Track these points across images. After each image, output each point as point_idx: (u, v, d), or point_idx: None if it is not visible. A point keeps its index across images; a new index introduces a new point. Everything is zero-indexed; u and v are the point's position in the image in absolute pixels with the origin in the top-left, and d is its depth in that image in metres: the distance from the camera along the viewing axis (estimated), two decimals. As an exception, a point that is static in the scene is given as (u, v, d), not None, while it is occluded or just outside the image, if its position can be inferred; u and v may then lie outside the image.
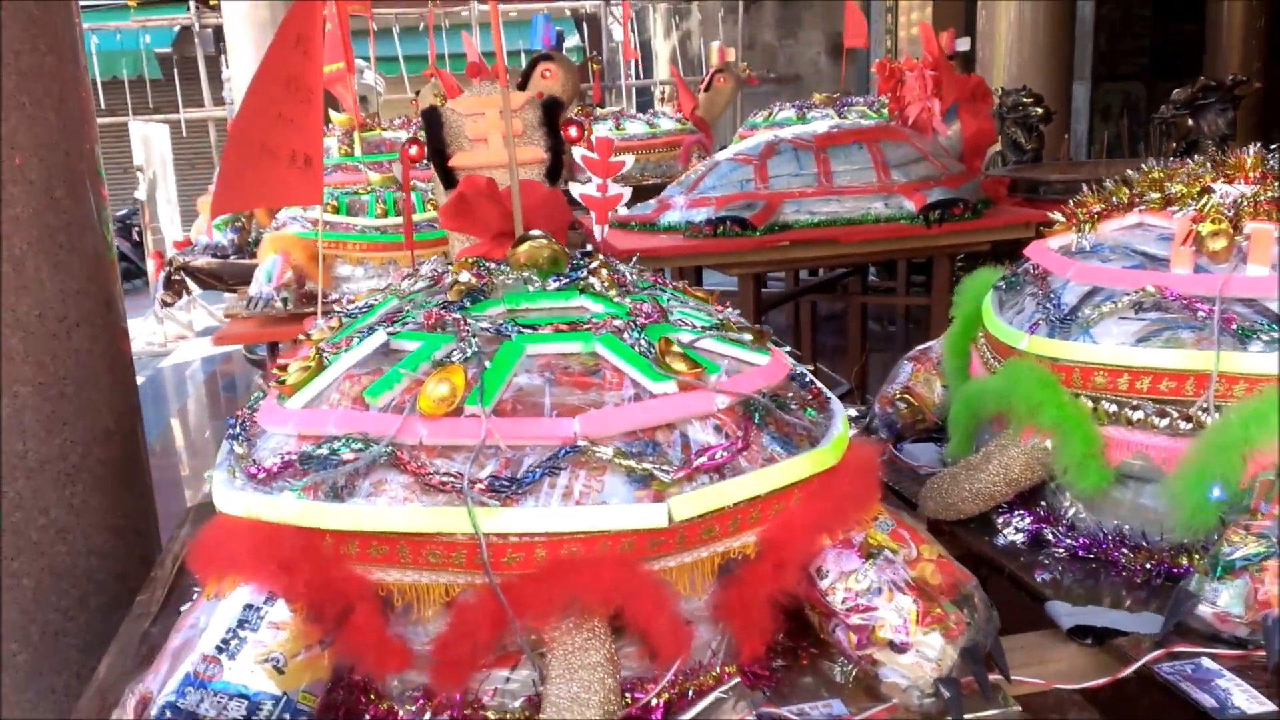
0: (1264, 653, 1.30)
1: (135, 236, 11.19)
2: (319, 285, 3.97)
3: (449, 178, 2.17)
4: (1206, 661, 1.31)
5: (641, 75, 12.52)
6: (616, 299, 1.54)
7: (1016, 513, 1.74)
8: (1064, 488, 1.67)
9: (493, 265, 1.76)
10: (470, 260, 1.77)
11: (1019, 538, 1.71)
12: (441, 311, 1.48)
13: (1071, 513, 1.69)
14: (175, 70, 12.33)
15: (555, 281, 1.60)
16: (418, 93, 7.16)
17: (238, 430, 1.49)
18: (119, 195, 11.48)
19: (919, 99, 4.61)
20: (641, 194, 6.79)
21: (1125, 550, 1.60)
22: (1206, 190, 1.71)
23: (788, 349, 1.65)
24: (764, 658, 1.35)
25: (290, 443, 1.36)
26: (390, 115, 7.01)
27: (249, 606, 1.25)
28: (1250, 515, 1.38)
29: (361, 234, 4.06)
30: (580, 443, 1.28)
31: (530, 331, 1.43)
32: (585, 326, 1.44)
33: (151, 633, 1.70)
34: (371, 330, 1.49)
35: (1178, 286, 1.58)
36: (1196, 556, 1.52)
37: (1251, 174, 1.79)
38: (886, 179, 4.26)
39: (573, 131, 2.30)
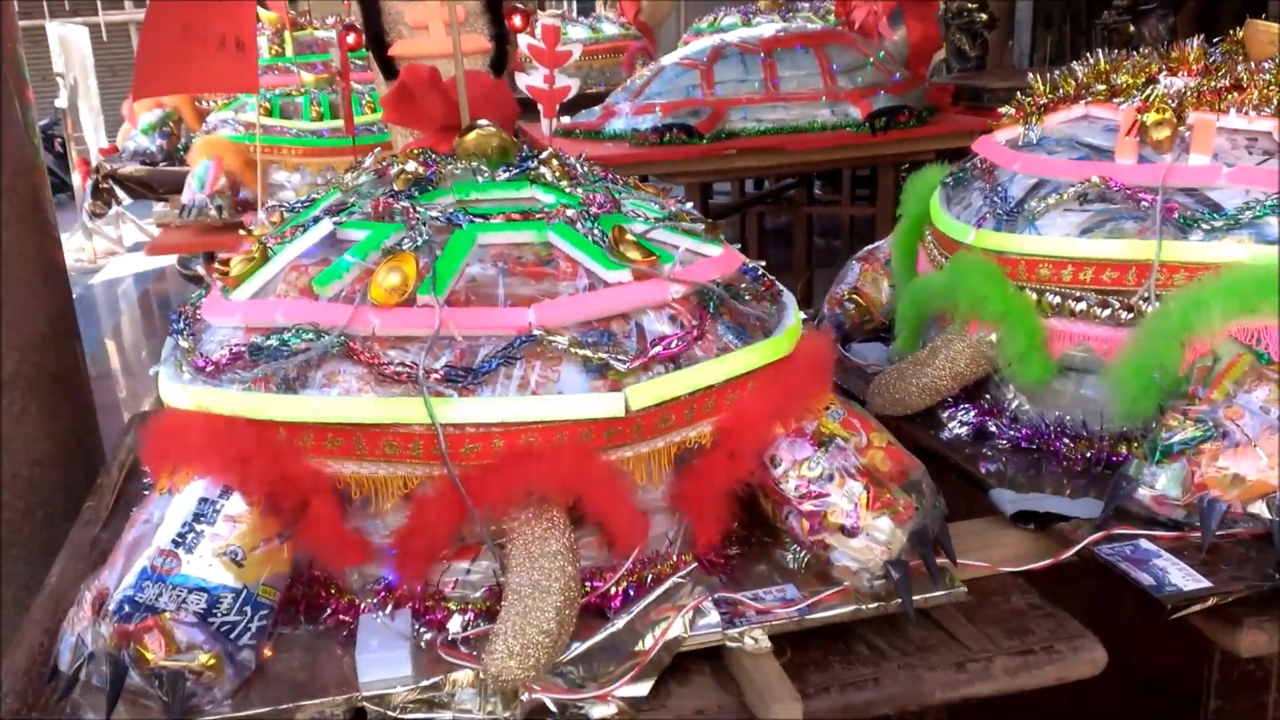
0: (1199, 534, 1.35)
1: (58, 148, 10.74)
2: (257, 192, 3.87)
3: (389, 68, 2.11)
4: (1144, 543, 1.37)
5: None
6: (568, 189, 1.52)
7: (961, 406, 1.77)
8: (1008, 380, 1.71)
9: (440, 156, 1.72)
10: (416, 151, 1.73)
11: (964, 431, 1.75)
12: (389, 200, 1.44)
13: (1015, 405, 1.73)
14: (93, -29, 11.76)
15: (505, 172, 1.57)
16: (351, -6, 6.92)
17: (181, 325, 1.46)
18: (39, 104, 11.01)
19: (865, 2, 4.57)
20: (585, 102, 6.69)
21: (1067, 440, 1.65)
22: (1151, 81, 1.72)
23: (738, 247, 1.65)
24: (720, 546, 1.38)
25: (237, 335, 1.34)
26: (322, 14, 6.76)
27: (204, 500, 1.23)
28: (1188, 401, 1.42)
29: (297, 138, 3.93)
30: (536, 332, 1.28)
31: (482, 221, 1.41)
32: (538, 216, 1.42)
33: (102, 538, 1.68)
34: (316, 220, 1.45)
35: (1122, 177, 1.61)
36: (1136, 445, 1.56)
37: (1194, 66, 1.81)
38: (833, 85, 4.25)
39: (517, 20, 2.24)
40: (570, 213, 1.43)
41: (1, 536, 2.19)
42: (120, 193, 4.75)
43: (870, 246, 2.28)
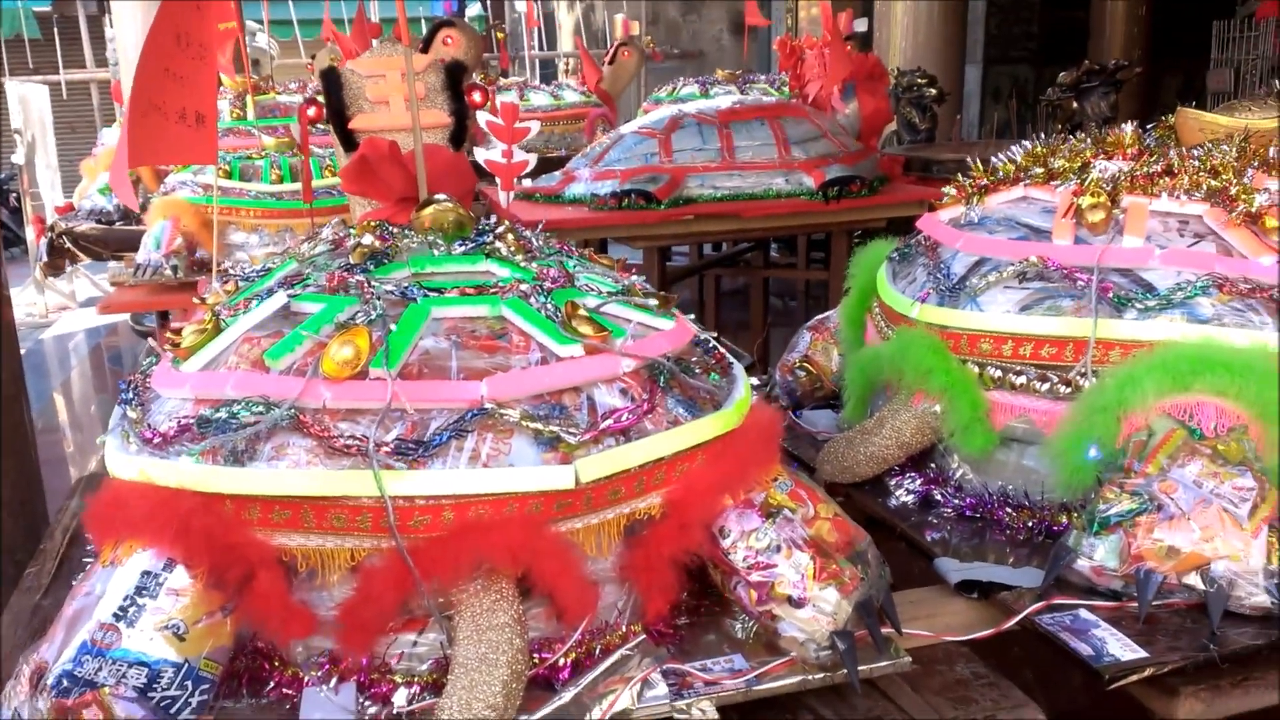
0: (1136, 604, 1.38)
1: (13, 203, 10.67)
2: (213, 253, 3.86)
3: (349, 140, 2.14)
4: (1084, 613, 1.39)
5: (545, 47, 12.41)
6: (523, 264, 1.55)
7: (908, 475, 1.81)
8: (952, 450, 1.75)
9: (396, 229, 1.74)
10: (373, 223, 1.75)
11: (910, 499, 1.78)
12: (344, 274, 1.46)
13: (959, 474, 1.76)
14: (55, 29, 11.72)
15: (461, 246, 1.59)
16: (313, 57, 6.98)
17: (130, 395, 1.46)
18: (3, 154, 10.92)
19: (819, 77, 4.70)
20: (546, 166, 6.75)
21: (1009, 509, 1.68)
22: (1087, 166, 1.79)
23: (692, 318, 1.68)
24: (668, 616, 1.39)
25: (186, 407, 1.34)
26: (284, 79, 6.81)
27: (147, 573, 1.22)
28: (1124, 474, 1.46)
29: (255, 200, 3.94)
30: (487, 405, 1.29)
31: (436, 294, 1.43)
32: (492, 290, 1.44)
33: (43, 605, 1.65)
34: (271, 292, 1.46)
35: (1059, 257, 1.66)
36: (1075, 515, 1.60)
37: (1129, 150, 1.89)
38: (787, 155, 4.34)
39: (476, 96, 2.28)
40: (524, 287, 1.45)
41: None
42: (76, 251, 4.72)
43: (820, 316, 2.33)
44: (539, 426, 1.29)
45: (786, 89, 5.59)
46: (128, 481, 1.30)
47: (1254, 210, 1.60)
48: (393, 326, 1.35)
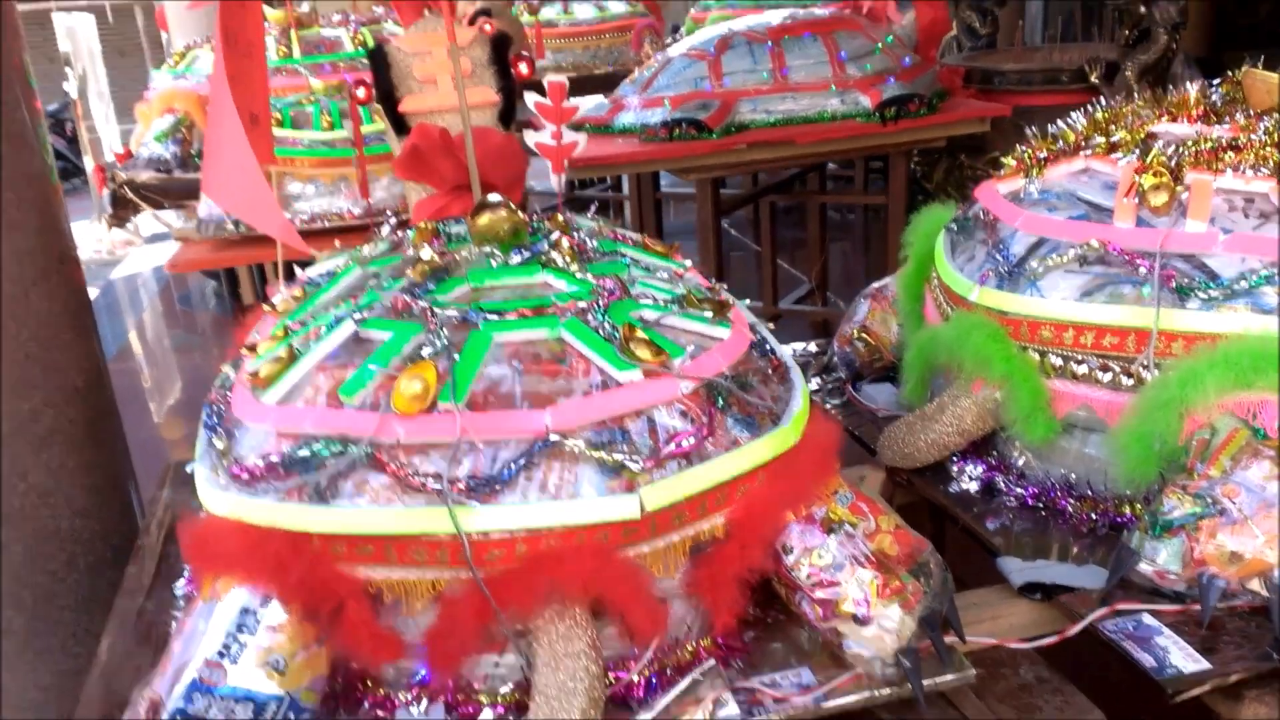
0: (1199, 607, 1.41)
1: (69, 132, 10.79)
2: (278, 264, 3.90)
3: (400, 123, 2.15)
4: (1147, 618, 1.42)
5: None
6: (579, 275, 1.57)
7: (970, 461, 1.82)
8: (1014, 437, 1.76)
9: (454, 231, 1.77)
10: (429, 228, 1.77)
11: (972, 486, 1.80)
12: (408, 299, 1.49)
13: (1021, 462, 1.77)
14: (97, -48, 11.68)
15: (518, 255, 1.62)
16: (356, -22, 6.88)
17: (215, 421, 1.52)
18: (47, 89, 11.02)
19: (873, -12, 4.54)
20: (593, 83, 6.67)
21: (1072, 499, 1.69)
22: (1150, 137, 1.74)
23: (746, 309, 1.68)
24: (736, 629, 1.44)
25: (270, 441, 1.40)
26: (328, 11, 6.73)
27: (245, 610, 1.30)
28: (1187, 475, 1.46)
29: (309, 149, 3.96)
30: (553, 437, 1.33)
31: (497, 318, 1.46)
32: (550, 310, 1.47)
33: (147, 608, 1.76)
34: (339, 320, 1.50)
35: (1120, 241, 1.63)
36: (1139, 507, 1.61)
37: (1194, 111, 1.83)
38: (841, 73, 4.23)
39: (523, 68, 2.26)
40: (582, 304, 1.48)
41: (46, 588, 2.28)
42: (139, 201, 4.80)
43: (878, 284, 2.31)
44: (603, 455, 1.33)
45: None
46: (220, 518, 1.38)
47: (1325, 190, 1.55)
48: (457, 356, 1.39)
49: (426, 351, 1.39)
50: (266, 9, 5.25)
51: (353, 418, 1.35)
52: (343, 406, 1.37)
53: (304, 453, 1.34)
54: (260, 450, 1.39)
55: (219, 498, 1.38)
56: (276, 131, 3.89)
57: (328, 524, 1.31)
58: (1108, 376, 1.62)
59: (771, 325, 1.88)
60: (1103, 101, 3.89)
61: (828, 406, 2.22)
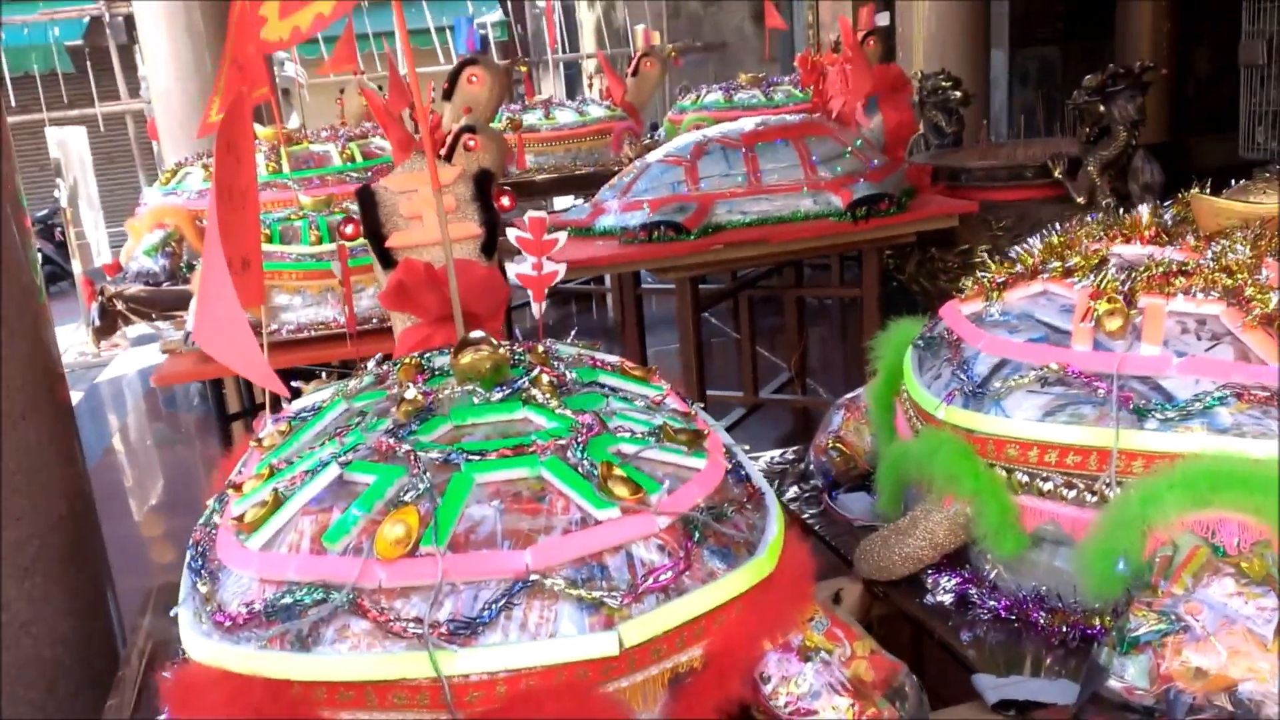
0: (1169, 721, 1.43)
1: (58, 237, 10.92)
2: (250, 317, 3.97)
3: (386, 258, 2.22)
4: (1116, 734, 1.45)
5: (567, 48, 12.43)
6: (558, 410, 1.62)
7: (944, 573, 1.85)
8: (986, 551, 1.79)
9: (437, 365, 1.82)
10: (414, 364, 1.83)
11: (947, 598, 1.83)
12: (391, 442, 1.54)
13: (994, 574, 1.81)
14: (88, 62, 11.95)
15: (499, 392, 1.67)
16: (342, 91, 7.08)
17: (199, 564, 1.55)
18: (37, 194, 11.19)
19: (841, 93, 4.70)
20: (576, 183, 6.83)
21: (1044, 612, 1.73)
22: (1103, 262, 1.82)
23: (723, 442, 1.73)
24: (715, 760, 1.46)
25: (253, 587, 1.42)
26: (314, 117, 6.92)
27: (227, 758, 1.32)
28: (1151, 592, 1.50)
29: (296, 262, 4.03)
30: (532, 576, 1.36)
31: (478, 458, 1.50)
32: (530, 450, 1.51)
33: (128, 741, 1.76)
34: (324, 464, 1.54)
35: (1078, 363, 1.70)
36: (1108, 619, 1.65)
37: (1146, 233, 1.91)
38: (813, 175, 4.36)
39: (505, 201, 2.35)
40: (561, 442, 1.52)
41: (26, 715, 2.27)
42: (127, 314, 4.86)
43: (851, 395, 2.37)
44: (582, 593, 1.36)
45: (811, 91, 5.58)
46: (203, 665, 1.40)
47: (1269, 311, 1.62)
48: (439, 500, 1.42)
49: (409, 495, 1.43)
50: (256, 126, 5.39)
51: (335, 564, 1.38)
52: (326, 553, 1.40)
53: (286, 600, 1.36)
54: (243, 597, 1.41)
55: (201, 644, 1.40)
56: (266, 246, 3.97)
57: (309, 672, 1.33)
58: (1072, 493, 1.67)
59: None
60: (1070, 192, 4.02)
61: (805, 516, 2.25)
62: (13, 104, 11.24)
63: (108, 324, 4.80)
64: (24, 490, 2.27)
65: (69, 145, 8.53)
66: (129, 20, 10.13)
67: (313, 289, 4.07)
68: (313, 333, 3.94)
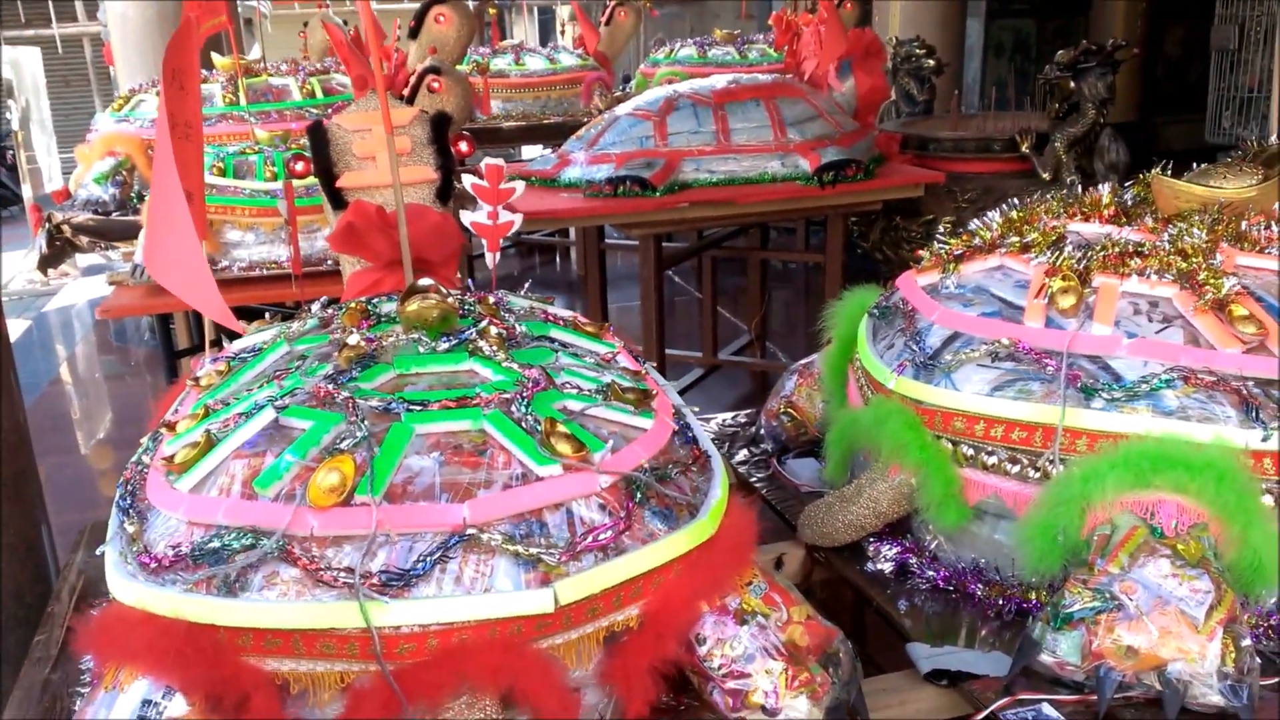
0: (1096, 698, 1.45)
1: (9, 160, 10.63)
2: (209, 251, 3.88)
3: (337, 198, 2.16)
4: (1047, 708, 1.46)
5: (542, -6, 12.22)
6: (505, 363, 1.59)
7: (886, 542, 1.86)
8: (928, 521, 1.80)
9: (384, 311, 1.78)
10: (359, 308, 1.79)
11: (887, 566, 1.84)
12: (330, 388, 1.50)
13: (934, 545, 1.82)
14: (45, -19, 11.58)
15: (445, 342, 1.63)
16: (306, 24, 6.90)
17: (127, 503, 1.51)
18: (-11, 115, 10.86)
19: (815, 54, 4.65)
20: (543, 132, 6.73)
21: (981, 584, 1.74)
22: (1061, 239, 1.81)
23: (672, 403, 1.71)
24: (648, 718, 1.45)
25: (180, 530, 1.39)
26: (278, 50, 6.72)
27: (147, 702, 1.29)
28: (1087, 569, 1.51)
29: (250, 198, 3.94)
30: (469, 530, 1.34)
31: (420, 409, 1.47)
32: (474, 402, 1.48)
33: (53, 680, 1.72)
34: (259, 407, 1.50)
35: (1029, 340, 1.69)
36: (1044, 594, 1.66)
37: (1105, 212, 1.91)
38: (783, 137, 4.32)
39: (463, 146, 2.29)
40: (506, 395, 1.49)
41: (-46, 650, 2.22)
42: (75, 243, 4.73)
43: (804, 360, 2.36)
44: (519, 549, 1.34)
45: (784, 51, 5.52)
46: (126, 606, 1.36)
47: (1221, 296, 1.62)
48: (377, 450, 1.39)
49: (346, 444, 1.40)
50: (215, 56, 5.25)
51: (266, 509, 1.35)
52: (257, 498, 1.37)
53: (214, 544, 1.33)
54: (170, 539, 1.38)
55: (126, 586, 1.37)
56: (217, 180, 3.88)
57: (235, 618, 1.30)
58: (1016, 468, 1.67)
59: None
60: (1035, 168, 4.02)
61: (753, 480, 2.25)
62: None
63: (55, 252, 4.67)
64: (-46, 419, 2.21)
65: (23, 66, 8.27)
66: (90, -61, 9.81)
67: (266, 226, 3.99)
68: (264, 271, 3.87)
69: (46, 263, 4.64)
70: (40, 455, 2.58)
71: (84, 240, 4.66)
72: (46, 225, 4.78)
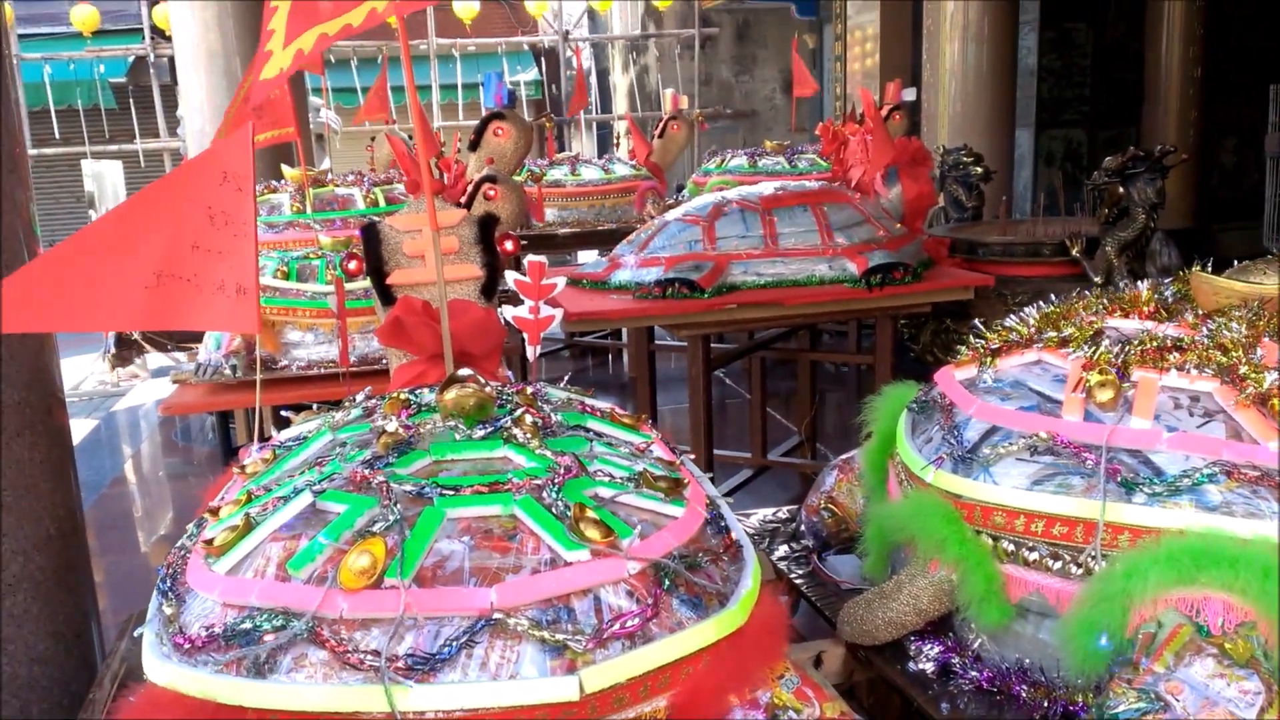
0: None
1: (89, 268, 11.04)
2: (271, 351, 4.01)
3: (386, 294, 2.24)
4: (1090, 814, 1.40)
5: (600, 110, 12.62)
6: (538, 450, 1.61)
7: (928, 641, 1.82)
8: (970, 620, 1.75)
9: (424, 401, 1.82)
10: (400, 398, 1.83)
11: (929, 666, 1.79)
12: (366, 473, 1.53)
13: (977, 644, 1.77)
14: (131, 100, 12.25)
15: (481, 430, 1.66)
16: (373, 139, 7.20)
17: (167, 585, 1.54)
18: (74, 224, 11.39)
19: (862, 162, 4.73)
20: (597, 239, 6.89)
21: (1026, 685, 1.68)
22: (1099, 334, 1.80)
23: (705, 493, 1.71)
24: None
25: (215, 611, 1.41)
26: (346, 163, 7.03)
27: (175, 783, 1.29)
28: (1132, 669, 1.46)
29: (311, 300, 4.08)
30: (496, 615, 1.34)
31: (452, 494, 1.49)
32: (505, 487, 1.50)
33: (91, 765, 1.74)
34: (298, 490, 1.53)
35: (1068, 433, 1.67)
36: (1090, 696, 1.60)
37: (1145, 308, 1.90)
38: (830, 241, 4.36)
39: (508, 245, 2.37)
40: (537, 481, 1.51)
41: (-1, 736, 2.25)
42: (143, 343, 4.91)
43: (845, 455, 2.35)
44: (546, 635, 1.34)
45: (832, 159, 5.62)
46: (160, 687, 1.38)
47: (1263, 391, 1.59)
48: (408, 533, 1.41)
49: (378, 526, 1.42)
50: (284, 168, 5.51)
51: (298, 591, 1.37)
52: (290, 579, 1.39)
53: (246, 625, 1.35)
54: (205, 620, 1.40)
55: (160, 667, 1.39)
56: (280, 283, 4.02)
57: (262, 699, 1.31)
58: (1058, 564, 1.64)
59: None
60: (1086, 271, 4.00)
61: (793, 576, 2.22)
62: (56, 136, 11.50)
63: (124, 352, 4.86)
64: (12, 507, 2.27)
65: (104, 177, 8.70)
66: (172, 61, 10.41)
67: (325, 327, 4.12)
68: (321, 370, 3.98)
69: (116, 361, 4.81)
70: (101, 552, 2.64)
71: (151, 340, 4.84)
72: (117, 326, 4.97)
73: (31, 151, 10.91)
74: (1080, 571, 1.61)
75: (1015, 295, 4.63)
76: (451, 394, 1.69)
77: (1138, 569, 1.50)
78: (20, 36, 11.82)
